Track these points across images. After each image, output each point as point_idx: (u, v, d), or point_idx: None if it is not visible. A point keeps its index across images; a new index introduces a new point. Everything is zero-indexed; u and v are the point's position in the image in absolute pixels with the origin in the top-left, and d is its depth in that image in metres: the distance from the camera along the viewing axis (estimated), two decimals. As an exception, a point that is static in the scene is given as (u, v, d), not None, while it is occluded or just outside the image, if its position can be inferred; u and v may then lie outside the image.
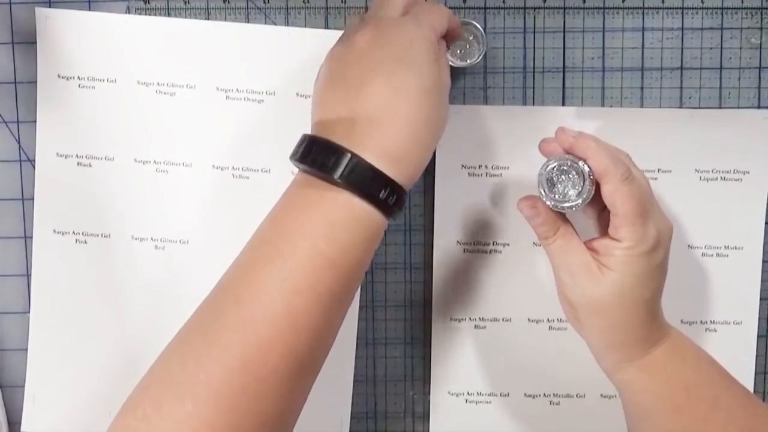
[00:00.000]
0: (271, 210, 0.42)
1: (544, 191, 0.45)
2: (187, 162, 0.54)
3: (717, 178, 0.54)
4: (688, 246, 0.55)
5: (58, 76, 0.53)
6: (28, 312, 0.55)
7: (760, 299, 0.56)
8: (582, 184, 0.44)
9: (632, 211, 0.43)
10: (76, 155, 0.54)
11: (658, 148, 0.54)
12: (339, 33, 0.50)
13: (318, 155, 0.41)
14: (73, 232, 0.54)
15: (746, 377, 0.55)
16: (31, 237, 0.54)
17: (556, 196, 0.44)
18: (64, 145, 0.54)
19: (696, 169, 0.54)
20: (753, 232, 0.54)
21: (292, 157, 0.42)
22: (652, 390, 0.45)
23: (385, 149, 0.40)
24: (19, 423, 0.55)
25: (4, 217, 0.55)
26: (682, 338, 0.46)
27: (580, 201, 0.44)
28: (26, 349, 0.55)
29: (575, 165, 0.44)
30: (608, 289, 0.43)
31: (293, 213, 0.41)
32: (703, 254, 0.55)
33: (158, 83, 0.54)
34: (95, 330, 0.55)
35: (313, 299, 0.39)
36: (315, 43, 0.53)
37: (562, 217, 0.46)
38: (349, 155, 0.40)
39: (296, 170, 0.43)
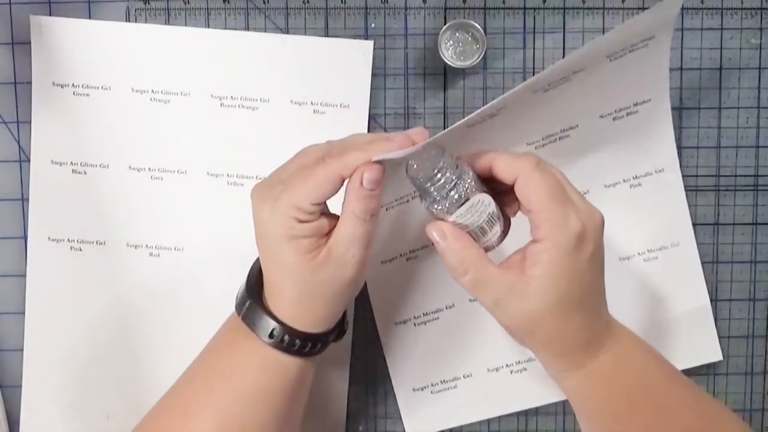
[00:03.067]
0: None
1: (453, 210, 0.41)
2: (181, 169, 0.54)
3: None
4: (605, 186, 0.54)
5: (53, 83, 0.53)
6: (28, 312, 0.55)
7: (758, 299, 0.56)
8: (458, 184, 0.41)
9: (547, 197, 0.40)
10: (71, 162, 0.54)
11: None
12: (332, 41, 0.50)
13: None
14: (68, 240, 0.54)
15: (698, 298, 0.55)
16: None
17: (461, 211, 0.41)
18: (58, 152, 0.54)
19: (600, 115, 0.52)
20: (668, 152, 0.53)
21: None
22: (594, 399, 0.43)
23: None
24: (18, 424, 0.55)
25: (3, 217, 0.55)
26: (631, 341, 0.44)
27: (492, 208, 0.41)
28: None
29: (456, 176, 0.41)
30: (538, 303, 0.41)
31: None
32: (631, 186, 0.54)
33: (153, 91, 0.54)
34: (91, 336, 0.55)
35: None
36: (309, 50, 0.53)
37: (471, 245, 0.42)
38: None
39: None
